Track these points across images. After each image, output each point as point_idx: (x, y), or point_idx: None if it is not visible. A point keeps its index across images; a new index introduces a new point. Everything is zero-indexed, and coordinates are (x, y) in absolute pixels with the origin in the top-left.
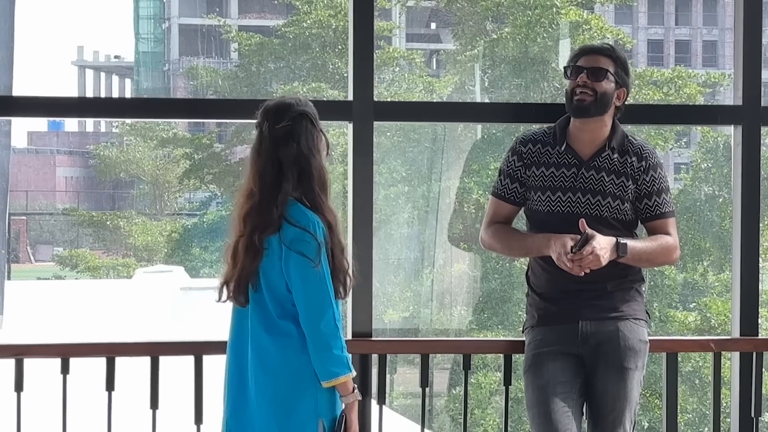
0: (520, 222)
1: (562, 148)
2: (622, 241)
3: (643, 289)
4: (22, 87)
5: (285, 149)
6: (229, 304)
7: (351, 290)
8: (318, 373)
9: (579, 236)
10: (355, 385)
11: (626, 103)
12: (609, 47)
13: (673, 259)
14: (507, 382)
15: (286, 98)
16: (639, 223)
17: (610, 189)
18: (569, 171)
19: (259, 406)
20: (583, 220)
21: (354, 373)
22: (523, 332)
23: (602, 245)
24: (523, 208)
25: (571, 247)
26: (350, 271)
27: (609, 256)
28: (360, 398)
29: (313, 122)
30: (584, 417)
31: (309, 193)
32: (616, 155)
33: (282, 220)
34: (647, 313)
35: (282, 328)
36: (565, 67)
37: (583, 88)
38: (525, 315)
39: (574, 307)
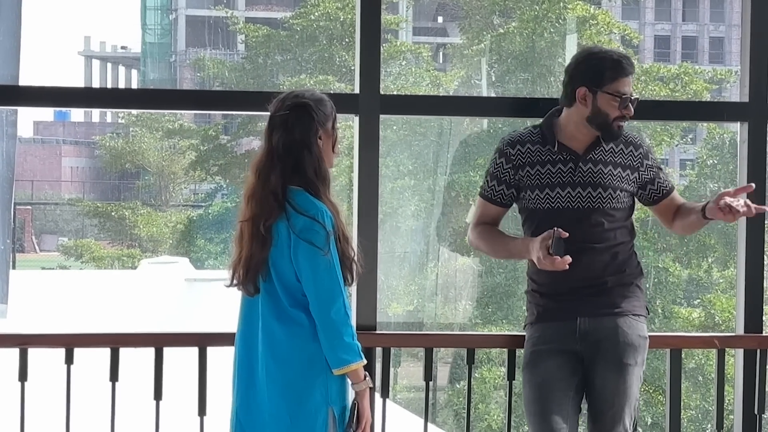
0: (515, 222)
1: (555, 148)
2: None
3: (644, 283)
4: (28, 76)
5: (278, 136)
6: (235, 295)
7: (357, 277)
8: (329, 360)
9: (551, 235)
10: (367, 373)
11: (642, 101)
12: (631, 60)
13: None
14: (511, 376)
15: (300, 89)
16: (633, 210)
17: (609, 180)
18: (566, 166)
19: (269, 394)
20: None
21: (365, 361)
22: (524, 328)
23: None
24: (518, 209)
25: (548, 248)
26: (356, 258)
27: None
28: (372, 386)
29: (314, 116)
30: (583, 411)
31: (307, 184)
32: (611, 146)
33: (285, 206)
34: (647, 308)
35: (293, 316)
36: (624, 97)
37: (623, 120)
38: (527, 311)
39: (572, 304)
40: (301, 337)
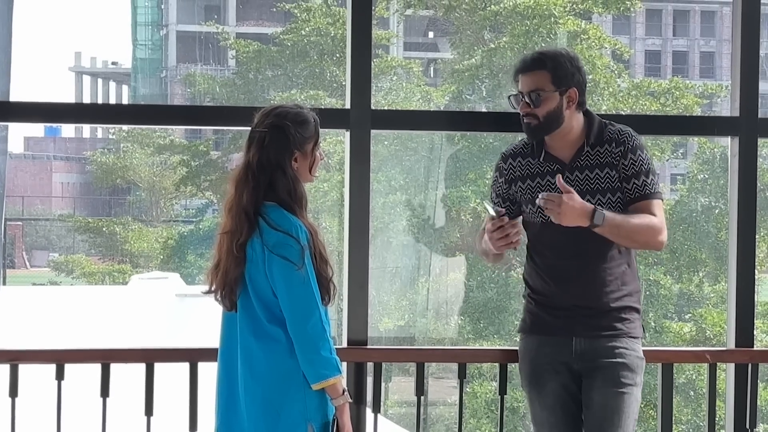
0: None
1: (542, 159)
2: (600, 210)
3: (640, 302)
4: (19, 92)
5: (253, 153)
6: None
7: (334, 298)
8: (307, 375)
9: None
10: (345, 388)
11: (633, 115)
12: (537, 57)
13: (658, 242)
14: (502, 391)
15: (286, 106)
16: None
17: (597, 185)
18: (554, 178)
19: (248, 411)
20: (559, 176)
21: (343, 376)
22: (518, 332)
23: (574, 201)
24: (522, 220)
25: (491, 218)
26: (333, 279)
27: (577, 217)
28: (350, 400)
29: (291, 138)
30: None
31: (282, 203)
32: (596, 148)
33: (258, 223)
34: (643, 328)
35: (270, 332)
36: (508, 96)
37: (527, 116)
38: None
39: (567, 322)
40: (278, 354)
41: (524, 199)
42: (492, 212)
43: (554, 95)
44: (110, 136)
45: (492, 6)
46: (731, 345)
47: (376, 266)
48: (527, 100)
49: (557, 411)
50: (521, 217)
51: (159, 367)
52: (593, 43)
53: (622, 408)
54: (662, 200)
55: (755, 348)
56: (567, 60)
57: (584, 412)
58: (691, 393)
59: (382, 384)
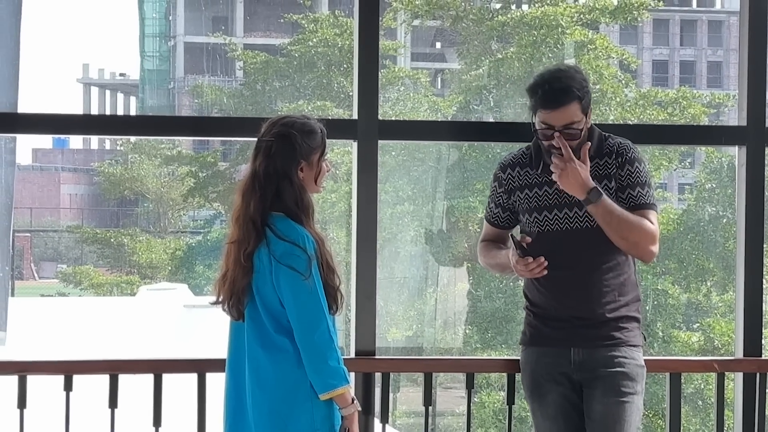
0: None
1: (540, 170)
2: (600, 191)
3: (641, 309)
4: (27, 104)
5: (259, 162)
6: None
7: (342, 307)
8: (314, 385)
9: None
10: (354, 396)
11: (640, 125)
12: (566, 88)
13: (649, 250)
14: (510, 401)
15: (293, 116)
16: None
17: None
18: (552, 188)
19: (256, 421)
20: (588, 144)
21: (351, 385)
22: (519, 345)
23: (582, 170)
24: (520, 230)
25: (518, 254)
26: (341, 288)
27: (576, 185)
28: (359, 409)
29: (297, 148)
30: None
31: (289, 212)
32: (595, 161)
33: (265, 233)
34: (644, 336)
35: (277, 343)
36: (535, 129)
37: (559, 150)
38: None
39: (565, 333)
40: (285, 364)
41: (522, 208)
42: (512, 243)
43: (583, 119)
44: (118, 148)
45: (499, 16)
46: (739, 354)
47: (384, 276)
48: (567, 133)
49: (559, 421)
50: (518, 227)
51: (167, 378)
52: (600, 53)
53: (623, 417)
54: (657, 212)
55: (763, 357)
56: (583, 80)
57: (586, 422)
58: (699, 403)
59: (390, 394)
